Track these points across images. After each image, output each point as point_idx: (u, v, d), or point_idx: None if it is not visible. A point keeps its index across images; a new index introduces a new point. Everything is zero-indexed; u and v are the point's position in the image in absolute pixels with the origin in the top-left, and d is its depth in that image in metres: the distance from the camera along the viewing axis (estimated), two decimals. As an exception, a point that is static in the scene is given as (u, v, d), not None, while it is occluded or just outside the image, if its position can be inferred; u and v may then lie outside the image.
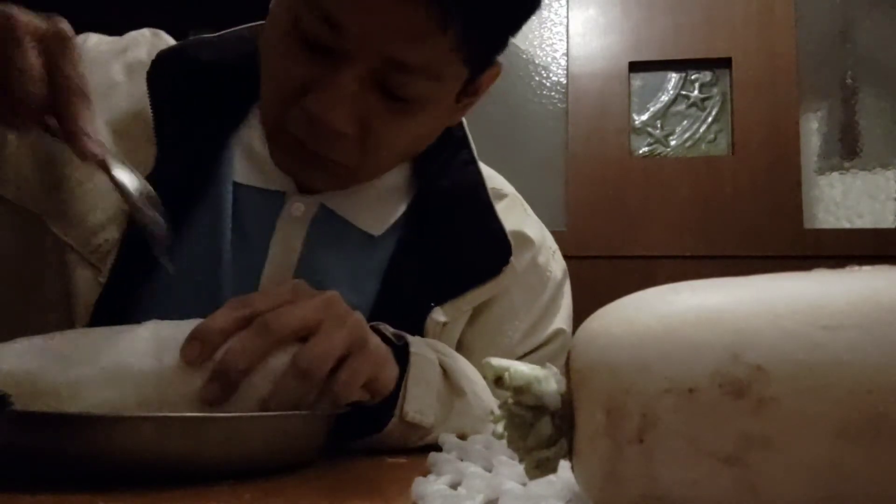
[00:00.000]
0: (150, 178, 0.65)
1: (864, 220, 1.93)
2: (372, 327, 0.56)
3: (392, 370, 0.56)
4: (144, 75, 0.69)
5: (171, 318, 0.51)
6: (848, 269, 0.29)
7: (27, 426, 0.41)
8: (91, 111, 0.50)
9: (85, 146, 0.49)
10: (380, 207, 0.73)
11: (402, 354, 0.58)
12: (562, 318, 0.80)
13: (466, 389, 0.62)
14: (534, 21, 2.22)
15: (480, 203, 0.75)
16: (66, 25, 0.51)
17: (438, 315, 0.69)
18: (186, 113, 0.69)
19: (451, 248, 0.72)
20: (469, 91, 0.68)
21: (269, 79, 0.65)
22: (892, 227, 1.90)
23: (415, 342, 0.60)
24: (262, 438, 0.46)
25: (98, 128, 0.50)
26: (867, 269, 0.29)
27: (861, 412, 0.25)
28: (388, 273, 0.71)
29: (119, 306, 0.63)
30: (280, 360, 0.48)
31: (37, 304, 0.65)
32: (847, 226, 1.94)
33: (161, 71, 0.70)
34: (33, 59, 0.48)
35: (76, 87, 0.49)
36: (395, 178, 0.75)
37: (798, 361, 0.26)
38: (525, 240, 0.78)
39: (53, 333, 0.48)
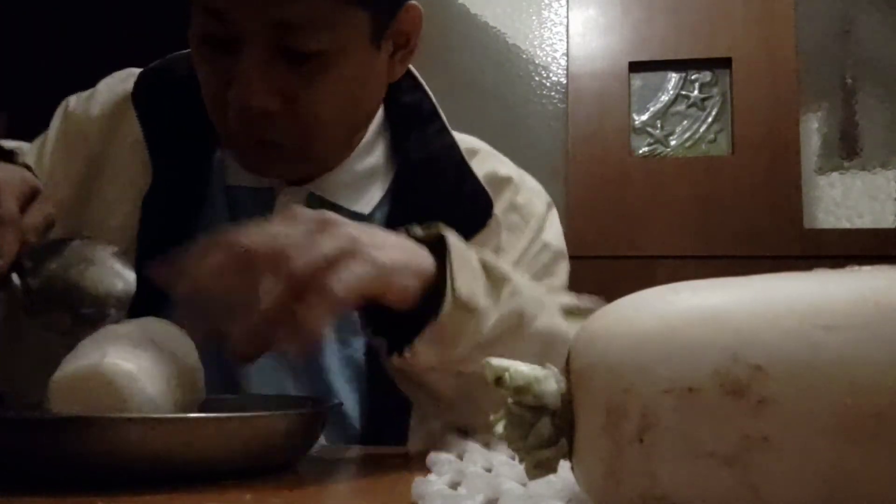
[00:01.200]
0: (149, 194, 0.72)
1: (864, 220, 1.93)
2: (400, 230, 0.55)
3: (424, 259, 0.53)
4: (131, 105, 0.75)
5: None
6: (848, 269, 0.29)
7: (26, 427, 0.41)
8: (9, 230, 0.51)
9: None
10: (364, 187, 0.76)
11: (439, 247, 0.55)
12: (546, 236, 0.80)
13: (511, 275, 0.59)
14: (534, 21, 2.23)
15: (456, 163, 0.77)
16: None
17: None
18: (175, 127, 0.74)
19: (435, 211, 0.71)
20: (398, 41, 0.70)
21: (203, 90, 0.68)
22: (892, 227, 1.90)
23: (450, 234, 0.56)
24: (258, 436, 0.46)
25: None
26: (867, 269, 0.29)
27: (861, 412, 0.25)
28: None
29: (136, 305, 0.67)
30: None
31: None
32: (847, 226, 1.94)
33: (145, 90, 0.76)
34: None
35: None
36: (375, 158, 0.78)
37: (798, 361, 0.26)
38: (500, 180, 0.79)
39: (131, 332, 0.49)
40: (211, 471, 0.43)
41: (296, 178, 0.73)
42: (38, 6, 2.52)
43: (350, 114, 0.70)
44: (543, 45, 2.11)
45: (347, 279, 0.47)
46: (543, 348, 0.58)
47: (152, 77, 0.77)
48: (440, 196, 0.75)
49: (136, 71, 0.80)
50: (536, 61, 2.10)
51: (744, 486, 0.26)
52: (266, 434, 0.46)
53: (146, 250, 0.69)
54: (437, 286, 0.53)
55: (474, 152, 0.81)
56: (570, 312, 0.66)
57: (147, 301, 0.60)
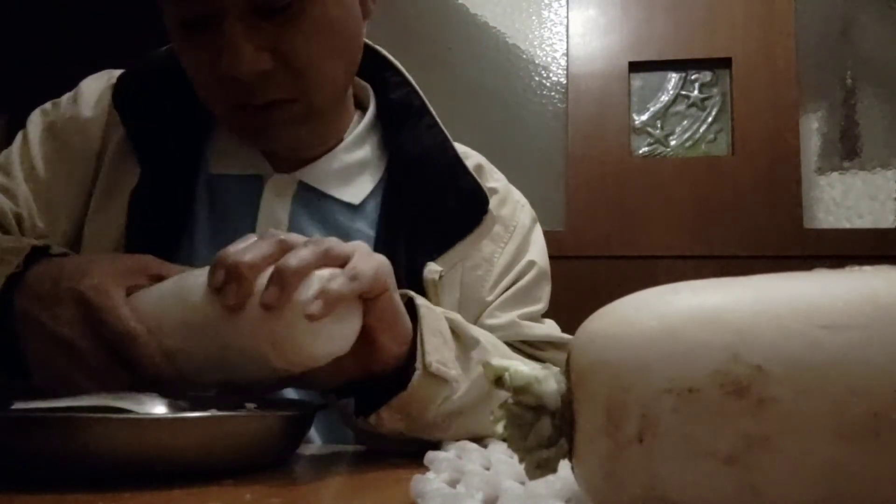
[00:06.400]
0: (137, 190, 0.72)
1: (864, 220, 1.93)
2: None
3: (407, 321, 0.55)
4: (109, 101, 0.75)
5: None
6: (848, 269, 0.29)
7: (27, 426, 0.41)
8: (141, 344, 0.51)
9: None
10: (354, 178, 0.77)
11: (408, 310, 0.57)
12: (532, 253, 0.82)
13: (479, 337, 0.61)
14: (534, 21, 2.22)
15: (450, 159, 0.78)
16: (93, 291, 0.52)
17: (434, 267, 0.72)
18: (159, 123, 0.74)
19: (431, 206, 0.75)
20: None
21: (192, 78, 0.69)
22: (892, 227, 1.90)
23: (418, 297, 0.59)
24: (257, 435, 0.46)
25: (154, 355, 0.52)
26: (867, 269, 0.29)
27: (861, 412, 0.25)
28: (379, 235, 0.74)
29: None
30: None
31: None
32: (847, 226, 1.94)
33: (125, 91, 0.76)
34: (76, 332, 0.51)
35: (116, 334, 0.51)
36: (365, 151, 0.79)
37: (798, 361, 0.26)
38: (486, 189, 0.79)
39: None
40: (207, 469, 0.43)
41: (287, 138, 0.72)
42: (37, 6, 2.52)
43: (337, 54, 0.70)
44: (543, 45, 2.11)
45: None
46: None
47: (131, 77, 0.77)
48: (434, 190, 0.76)
49: (115, 71, 0.80)
50: (536, 61, 2.10)
51: (744, 486, 0.26)
52: (247, 432, 0.46)
53: (134, 244, 0.70)
54: (408, 354, 0.55)
55: (466, 156, 0.82)
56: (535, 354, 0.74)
57: None
